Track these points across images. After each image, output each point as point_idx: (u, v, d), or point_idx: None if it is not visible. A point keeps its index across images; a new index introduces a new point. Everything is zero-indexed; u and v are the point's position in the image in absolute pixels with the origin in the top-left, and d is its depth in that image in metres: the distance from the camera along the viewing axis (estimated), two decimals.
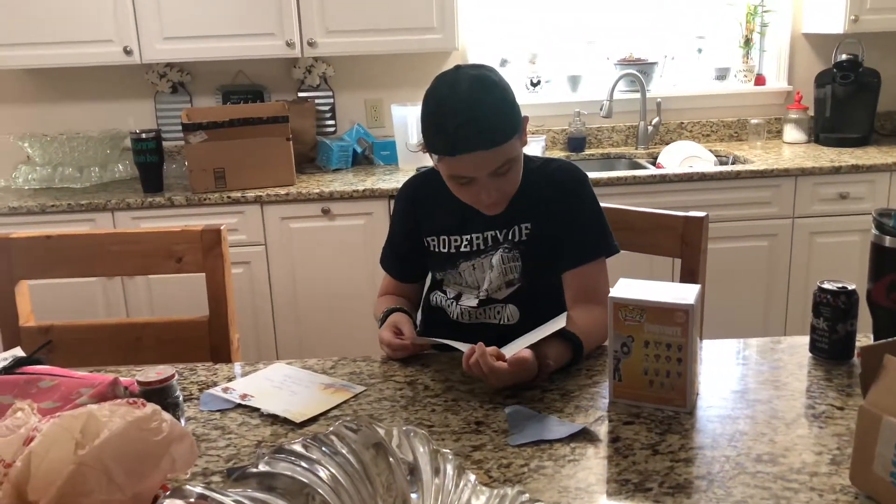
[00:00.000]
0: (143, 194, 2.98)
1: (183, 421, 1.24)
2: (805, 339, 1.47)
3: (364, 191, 2.95)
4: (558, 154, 3.55)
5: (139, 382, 1.20)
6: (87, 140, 3.20)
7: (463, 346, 1.37)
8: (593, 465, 1.11)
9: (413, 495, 0.85)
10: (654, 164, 3.44)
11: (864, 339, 1.46)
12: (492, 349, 1.33)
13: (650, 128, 3.58)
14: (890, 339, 1.20)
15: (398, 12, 3.11)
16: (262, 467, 0.82)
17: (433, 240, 1.65)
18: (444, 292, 1.66)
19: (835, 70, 3.42)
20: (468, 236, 1.61)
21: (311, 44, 3.11)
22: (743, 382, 1.36)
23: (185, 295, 2.64)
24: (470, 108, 1.41)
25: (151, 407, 0.99)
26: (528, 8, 3.60)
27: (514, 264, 1.58)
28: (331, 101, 3.55)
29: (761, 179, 3.05)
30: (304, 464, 0.83)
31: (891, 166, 3.06)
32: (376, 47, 3.18)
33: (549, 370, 1.36)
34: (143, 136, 2.99)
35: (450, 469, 0.87)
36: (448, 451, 0.89)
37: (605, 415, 1.26)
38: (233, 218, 2.93)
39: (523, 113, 1.50)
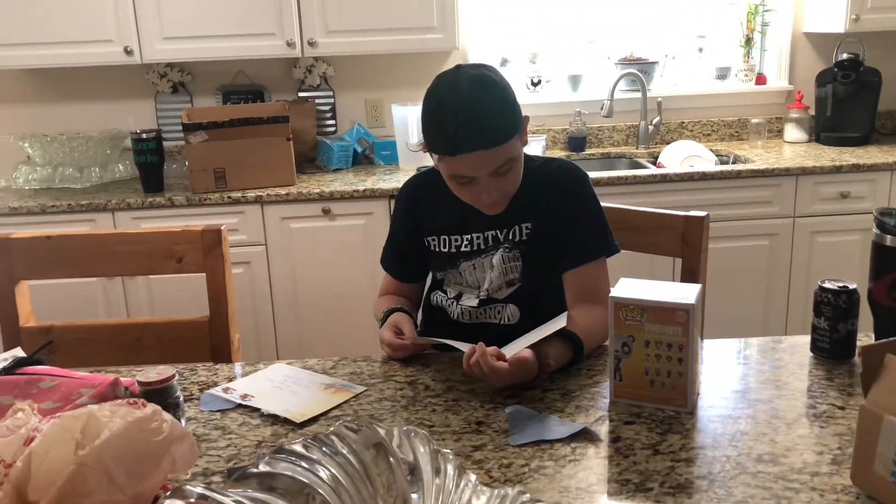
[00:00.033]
0: (143, 194, 2.98)
1: (183, 421, 1.24)
2: (806, 339, 1.46)
3: (364, 191, 2.95)
4: (559, 154, 3.55)
5: (140, 383, 1.20)
6: (87, 140, 3.20)
7: (463, 346, 1.37)
8: (594, 465, 1.11)
9: (414, 495, 0.84)
10: (654, 163, 3.44)
11: (865, 338, 1.46)
12: (492, 349, 1.33)
13: (651, 127, 3.58)
14: (891, 339, 1.19)
15: (398, 12, 3.11)
16: (262, 467, 0.82)
17: (433, 239, 1.65)
18: (445, 292, 1.66)
19: (836, 69, 3.41)
20: (468, 236, 1.61)
21: (311, 44, 3.11)
22: (744, 382, 1.36)
23: (186, 295, 2.64)
24: (470, 107, 1.41)
25: (152, 407, 0.99)
26: (529, 7, 3.59)
27: (514, 264, 1.58)
28: (331, 100, 3.55)
29: (762, 179, 3.04)
30: (304, 464, 0.83)
31: (891, 165, 3.06)
32: (377, 47, 3.18)
33: (549, 370, 1.36)
34: (144, 136, 2.99)
35: (450, 469, 0.87)
36: (449, 451, 0.89)
37: (606, 415, 1.25)
38: (233, 218, 2.93)
39: (524, 112, 1.50)
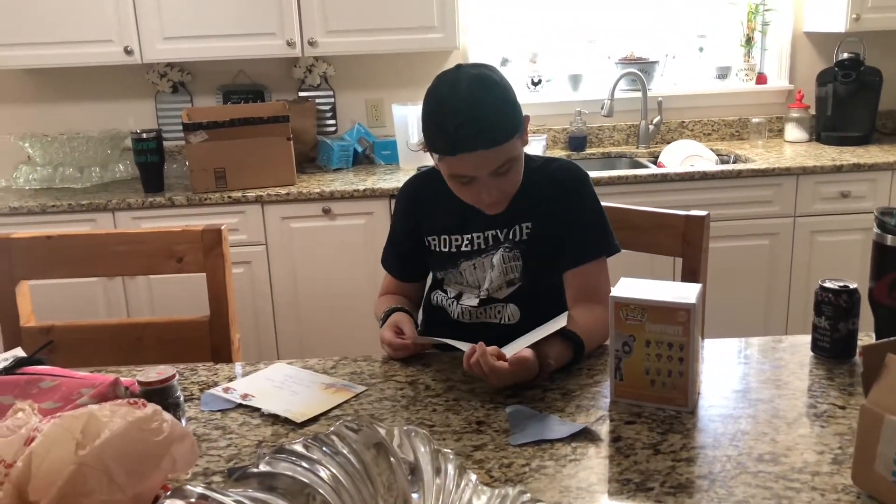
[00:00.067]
0: (143, 194, 2.98)
1: (184, 421, 1.24)
2: (806, 338, 1.46)
3: (365, 190, 2.95)
4: (559, 153, 3.55)
5: (140, 382, 1.20)
6: (87, 140, 3.20)
7: (464, 346, 1.37)
8: (595, 464, 1.11)
9: (414, 495, 0.84)
10: (655, 163, 3.44)
11: (866, 337, 1.46)
12: (492, 349, 1.33)
13: (651, 127, 3.58)
14: (891, 338, 1.19)
15: (399, 12, 3.11)
16: (262, 467, 0.82)
17: (434, 239, 1.65)
18: (445, 292, 1.66)
19: (836, 69, 3.41)
20: (469, 235, 1.61)
21: (311, 43, 3.11)
22: (744, 382, 1.36)
23: (186, 295, 2.64)
24: (471, 107, 1.41)
25: (152, 407, 0.99)
26: (529, 7, 3.59)
27: (514, 264, 1.58)
28: (331, 100, 3.55)
29: (762, 178, 3.04)
30: (304, 464, 0.83)
31: (892, 165, 3.05)
32: (377, 47, 3.18)
33: (549, 369, 1.36)
34: (144, 135, 2.99)
35: (451, 469, 0.87)
36: (449, 450, 0.89)
37: (607, 414, 1.25)
38: (233, 218, 2.93)
39: (524, 112, 1.50)
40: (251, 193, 2.92)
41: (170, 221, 2.89)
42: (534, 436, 1.18)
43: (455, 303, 1.63)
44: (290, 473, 0.82)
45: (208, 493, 0.77)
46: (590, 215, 1.59)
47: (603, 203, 1.62)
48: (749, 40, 3.66)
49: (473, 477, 0.87)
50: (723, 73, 3.70)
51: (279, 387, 1.40)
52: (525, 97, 3.49)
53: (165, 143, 3.14)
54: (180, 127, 3.08)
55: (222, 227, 1.77)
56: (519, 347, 1.35)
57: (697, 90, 3.68)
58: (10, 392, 1.24)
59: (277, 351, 3.07)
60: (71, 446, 0.90)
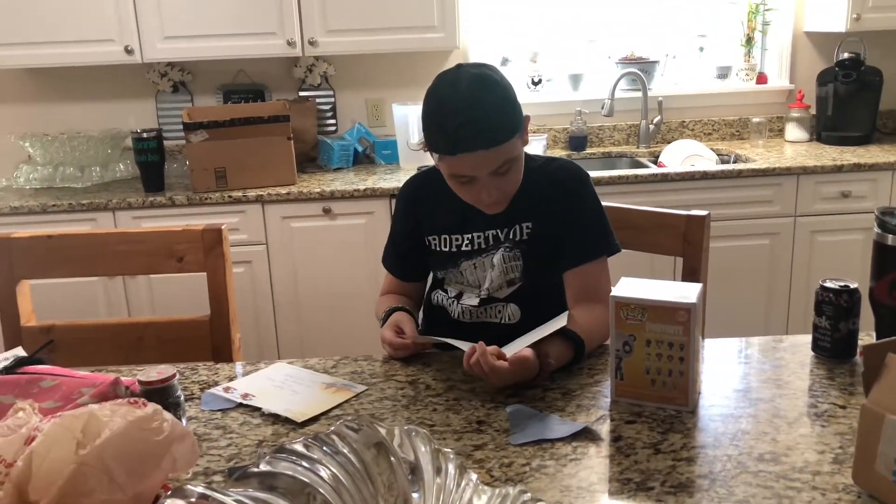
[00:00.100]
0: (144, 194, 2.98)
1: (184, 420, 1.24)
2: (807, 338, 1.46)
3: (365, 190, 2.95)
4: (559, 153, 3.55)
5: (140, 382, 1.20)
6: (88, 139, 3.20)
7: (464, 345, 1.37)
8: (595, 464, 1.11)
9: (414, 495, 0.84)
10: (655, 162, 3.44)
11: (867, 337, 1.46)
12: (492, 348, 1.33)
13: (652, 126, 3.58)
14: (892, 338, 1.19)
15: (399, 11, 3.11)
16: (263, 467, 0.82)
17: (434, 239, 1.65)
18: (446, 291, 1.66)
19: (837, 68, 3.41)
20: (469, 235, 1.61)
21: (311, 43, 3.11)
22: (745, 381, 1.36)
23: (187, 294, 2.64)
24: (471, 107, 1.41)
25: (152, 406, 0.99)
26: (530, 6, 3.59)
27: (515, 263, 1.58)
28: (332, 100, 3.55)
29: (763, 178, 3.04)
30: (305, 463, 0.83)
31: (893, 165, 3.05)
32: (377, 46, 3.18)
33: (550, 369, 1.36)
34: (144, 135, 2.99)
35: (451, 468, 0.87)
36: (449, 450, 0.89)
37: (607, 414, 1.25)
38: (234, 217, 2.93)
39: (524, 112, 1.50)
40: (251, 193, 2.92)
41: (170, 221, 2.89)
42: (534, 435, 1.18)
43: (455, 302, 1.63)
44: (290, 473, 0.82)
45: (209, 492, 0.77)
46: (590, 215, 1.59)
47: (603, 203, 1.62)
48: (749, 40, 3.66)
49: (474, 476, 0.87)
50: (723, 73, 3.70)
51: (280, 386, 1.40)
52: (525, 97, 3.49)
53: (166, 143, 3.14)
54: (181, 126, 3.08)
55: (223, 227, 1.77)
56: (519, 347, 1.35)
57: (698, 90, 3.67)
58: (10, 391, 1.24)
59: (278, 350, 3.07)
60: (71, 446, 0.90)
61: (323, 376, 1.44)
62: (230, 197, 2.92)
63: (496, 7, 3.57)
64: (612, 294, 1.27)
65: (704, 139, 3.64)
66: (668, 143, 3.53)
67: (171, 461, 0.97)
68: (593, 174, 2.70)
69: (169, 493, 0.78)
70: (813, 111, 3.55)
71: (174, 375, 1.22)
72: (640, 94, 3.54)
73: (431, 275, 1.72)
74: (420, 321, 1.72)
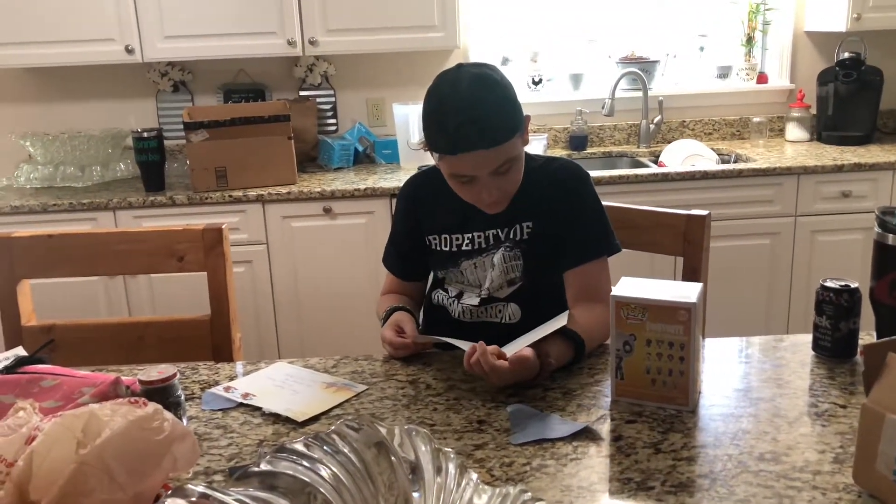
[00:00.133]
0: (144, 193, 2.98)
1: (185, 420, 1.24)
2: (807, 338, 1.46)
3: (365, 190, 2.95)
4: (560, 153, 3.55)
5: (141, 381, 1.20)
6: (88, 139, 3.20)
7: (464, 345, 1.37)
8: (595, 463, 1.11)
9: (415, 494, 0.84)
10: (656, 162, 3.44)
11: (867, 337, 1.46)
12: (493, 348, 1.33)
13: (652, 126, 3.58)
14: (892, 338, 1.19)
15: (399, 11, 3.11)
16: (263, 466, 0.82)
17: (434, 238, 1.65)
18: (446, 291, 1.66)
19: (837, 68, 3.41)
20: (469, 235, 1.61)
21: (312, 42, 3.11)
22: (745, 381, 1.36)
23: (187, 294, 2.64)
24: (471, 106, 1.41)
25: (153, 406, 0.99)
26: (530, 6, 3.59)
27: (515, 263, 1.58)
28: (332, 99, 3.55)
29: (763, 178, 3.04)
30: (305, 463, 0.83)
31: (893, 164, 3.05)
32: (378, 46, 3.18)
33: (550, 368, 1.36)
34: (145, 134, 2.99)
35: (452, 468, 0.87)
36: (450, 449, 0.89)
37: (608, 413, 1.25)
38: (234, 217, 2.93)
39: (525, 112, 1.49)
40: (252, 192, 2.93)
41: (171, 220, 2.89)
42: (535, 435, 1.18)
43: (456, 302, 1.63)
44: (291, 472, 0.82)
45: (209, 492, 0.77)
46: (590, 215, 1.59)
47: (604, 202, 1.62)
48: (750, 40, 3.65)
49: (474, 476, 0.87)
50: (724, 73, 3.70)
51: (280, 386, 1.40)
52: (526, 96, 3.49)
53: (166, 142, 3.14)
54: (181, 126, 3.08)
55: (223, 227, 1.78)
56: (519, 346, 1.35)
57: (698, 90, 3.67)
58: (11, 391, 1.24)
59: (278, 350, 3.07)
60: (72, 445, 0.90)
61: (323, 376, 1.44)
62: (231, 196, 2.92)
63: (496, 7, 3.57)
64: (612, 293, 1.27)
65: (705, 139, 3.64)
66: (669, 142, 3.53)
67: (171, 461, 0.97)
68: (594, 174, 2.70)
69: (169, 492, 0.78)
70: (813, 111, 3.55)
71: (175, 375, 1.22)
72: (640, 93, 3.54)
73: (432, 274, 1.72)
74: (420, 321, 1.72)
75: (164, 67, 3.40)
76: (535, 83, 3.60)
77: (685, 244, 1.77)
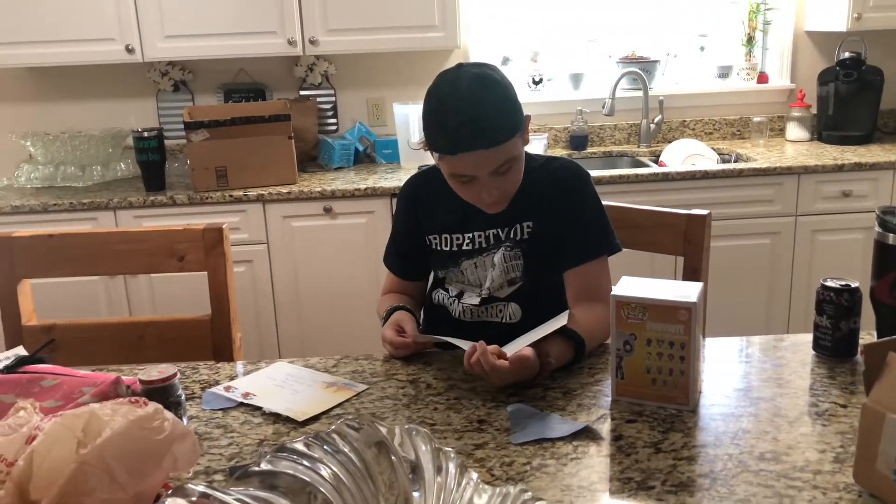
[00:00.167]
0: (145, 193, 2.99)
1: (185, 420, 1.24)
2: (808, 337, 1.46)
3: (366, 189, 2.95)
4: (560, 152, 3.55)
5: (141, 381, 1.20)
6: (89, 139, 3.20)
7: (465, 345, 1.37)
8: (596, 463, 1.11)
9: (415, 494, 0.84)
10: (656, 162, 3.44)
11: (868, 336, 1.46)
12: (493, 347, 1.33)
13: (652, 126, 3.58)
14: (893, 337, 1.19)
15: (400, 10, 3.11)
16: (264, 466, 0.82)
17: (435, 238, 1.65)
18: (447, 290, 1.66)
19: (838, 68, 3.41)
20: (470, 234, 1.61)
21: (312, 42, 3.11)
22: (746, 380, 1.36)
23: (188, 294, 2.64)
24: (471, 106, 1.41)
25: (153, 406, 0.99)
26: (530, 6, 3.59)
27: (515, 263, 1.58)
28: (332, 99, 3.55)
29: (764, 177, 3.04)
30: (306, 462, 0.83)
31: (894, 164, 3.05)
32: (378, 45, 3.18)
33: (550, 368, 1.36)
34: (145, 134, 2.99)
35: (452, 467, 0.87)
36: (450, 449, 0.89)
37: (608, 413, 1.25)
38: (235, 216, 2.93)
39: (525, 111, 1.49)
40: (252, 192, 2.93)
41: (171, 220, 2.89)
42: (535, 434, 1.18)
43: (456, 301, 1.63)
44: (291, 472, 0.82)
45: (210, 491, 0.77)
46: (591, 214, 1.59)
47: (604, 202, 1.62)
48: (750, 39, 3.65)
49: (474, 475, 0.87)
50: (724, 73, 3.70)
51: (280, 385, 1.40)
52: (526, 96, 3.49)
53: (167, 142, 3.14)
54: (181, 125, 3.08)
55: (223, 226, 1.78)
56: (520, 346, 1.35)
57: (699, 89, 3.67)
58: (11, 391, 1.24)
59: (279, 350, 3.07)
60: (72, 445, 0.90)
61: (324, 375, 1.44)
62: (231, 196, 2.92)
63: (497, 6, 3.57)
64: (612, 293, 1.26)
65: (705, 138, 3.64)
66: (669, 142, 3.53)
67: (172, 460, 0.97)
68: (594, 173, 2.70)
69: (170, 492, 0.78)
70: (814, 110, 3.55)
71: (175, 375, 1.22)
72: (640, 93, 3.54)
73: (432, 274, 1.72)
74: (421, 320, 1.72)
75: (165, 67, 3.40)
76: (536, 83, 3.60)
77: (685, 244, 1.77)
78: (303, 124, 3.31)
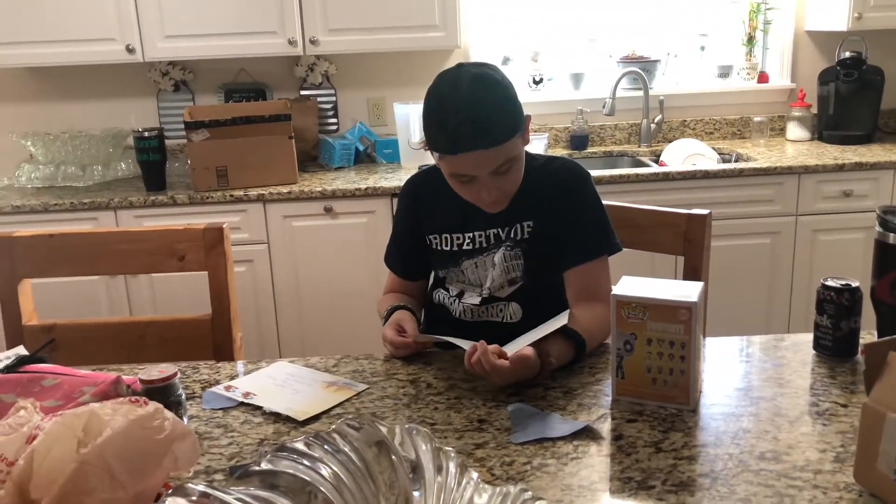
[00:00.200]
0: (145, 193, 2.99)
1: (185, 419, 1.24)
2: (808, 337, 1.46)
3: (366, 189, 2.95)
4: (561, 152, 3.55)
5: (142, 381, 1.20)
6: (89, 138, 3.20)
7: (465, 344, 1.37)
8: (596, 462, 1.11)
9: (415, 493, 0.84)
10: (656, 161, 3.43)
11: (868, 336, 1.46)
12: (493, 347, 1.33)
13: (653, 125, 3.57)
14: (893, 337, 1.19)
15: (400, 10, 3.11)
16: (264, 465, 0.82)
17: (435, 237, 1.65)
18: (447, 290, 1.66)
19: (838, 68, 3.41)
20: (470, 234, 1.61)
21: (313, 42, 3.11)
22: (746, 380, 1.36)
23: (188, 293, 2.64)
24: (471, 106, 1.41)
25: (154, 405, 0.99)
26: (531, 6, 3.59)
27: (516, 262, 1.58)
28: (333, 99, 3.55)
29: (764, 177, 3.04)
30: (306, 462, 0.83)
31: (894, 164, 3.05)
32: (378, 45, 3.18)
33: (551, 368, 1.36)
34: (146, 134, 2.99)
35: (452, 467, 0.87)
36: (450, 448, 0.89)
37: (608, 412, 1.25)
38: (235, 216, 2.93)
39: (525, 111, 1.49)
40: (253, 192, 2.93)
41: (172, 220, 2.89)
42: (535, 434, 1.18)
43: (457, 301, 1.63)
44: (291, 471, 0.82)
45: (210, 491, 0.77)
46: (591, 214, 1.59)
47: (604, 202, 1.62)
48: (751, 39, 3.65)
49: (475, 475, 0.87)
50: (724, 72, 3.69)
51: (281, 385, 1.40)
52: (526, 96, 3.49)
53: (167, 142, 3.14)
54: (182, 125, 3.08)
55: (224, 226, 1.78)
56: (520, 346, 1.35)
57: (699, 89, 3.67)
58: (12, 390, 1.24)
59: (279, 349, 3.07)
60: (72, 444, 0.90)
61: (324, 375, 1.44)
62: (231, 196, 2.92)
63: (497, 6, 3.57)
64: (613, 293, 1.26)
65: (706, 138, 3.64)
66: (670, 142, 3.53)
67: (172, 460, 0.97)
68: (594, 173, 2.70)
69: (170, 491, 0.78)
70: (814, 110, 3.55)
71: (175, 374, 1.22)
72: (641, 93, 3.54)
73: (433, 273, 1.72)
74: (422, 320, 1.72)
75: (165, 67, 3.40)
76: (536, 83, 3.60)
77: (686, 243, 1.77)
78: (303, 124, 3.31)
